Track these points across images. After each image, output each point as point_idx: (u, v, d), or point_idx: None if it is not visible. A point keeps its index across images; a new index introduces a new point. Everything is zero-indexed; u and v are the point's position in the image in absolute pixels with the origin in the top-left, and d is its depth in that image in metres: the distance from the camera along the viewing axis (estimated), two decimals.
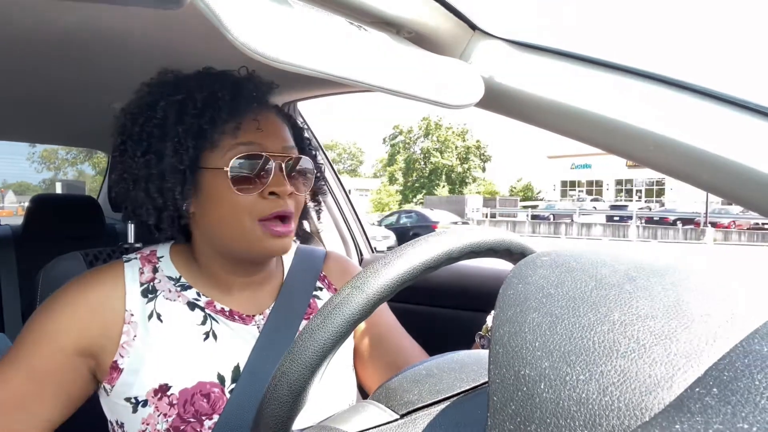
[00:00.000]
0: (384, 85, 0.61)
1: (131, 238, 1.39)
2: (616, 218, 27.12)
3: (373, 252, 1.89)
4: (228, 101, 0.78)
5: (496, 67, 0.77)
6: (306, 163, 0.86)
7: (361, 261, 1.84)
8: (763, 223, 23.07)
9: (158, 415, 0.75)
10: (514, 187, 47.17)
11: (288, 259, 0.96)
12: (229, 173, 0.77)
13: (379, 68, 0.62)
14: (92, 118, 1.73)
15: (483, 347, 0.77)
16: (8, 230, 2.20)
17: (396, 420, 0.50)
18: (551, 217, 29.33)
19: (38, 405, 0.74)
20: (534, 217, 29.93)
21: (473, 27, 0.78)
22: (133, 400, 0.76)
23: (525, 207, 34.65)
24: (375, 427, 0.49)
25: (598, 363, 0.29)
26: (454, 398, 0.51)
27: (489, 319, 0.77)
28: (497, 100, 0.78)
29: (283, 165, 0.80)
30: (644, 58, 0.68)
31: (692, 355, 0.28)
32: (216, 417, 0.76)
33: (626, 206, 29.20)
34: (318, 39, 0.56)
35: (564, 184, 42.32)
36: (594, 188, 40.59)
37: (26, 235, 2.14)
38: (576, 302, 0.33)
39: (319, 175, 0.93)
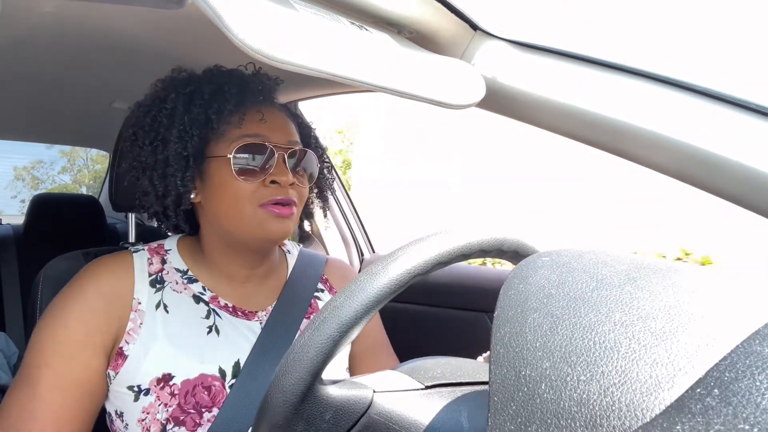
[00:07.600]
0: (385, 85, 0.61)
1: (132, 238, 1.38)
2: None
3: (373, 252, 1.89)
4: (234, 94, 0.82)
5: (497, 68, 0.77)
6: (310, 157, 0.88)
7: (362, 261, 1.83)
8: None
9: (159, 405, 0.75)
10: None
11: (291, 260, 0.98)
12: (232, 161, 0.80)
13: (380, 68, 0.62)
14: (94, 118, 1.73)
15: None
16: (9, 230, 2.20)
17: (421, 389, 0.50)
18: None
19: (75, 414, 0.73)
20: None
21: (474, 27, 0.78)
22: (135, 389, 0.76)
23: None
24: (401, 390, 0.50)
25: (599, 363, 0.29)
26: (476, 385, 0.52)
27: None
28: (498, 100, 0.78)
29: (286, 156, 0.82)
30: (644, 58, 0.68)
31: (693, 356, 0.28)
32: (215, 410, 0.76)
33: None
34: (319, 39, 0.56)
35: None
36: None
37: (27, 234, 2.15)
38: (577, 303, 0.33)
39: (324, 171, 0.95)
